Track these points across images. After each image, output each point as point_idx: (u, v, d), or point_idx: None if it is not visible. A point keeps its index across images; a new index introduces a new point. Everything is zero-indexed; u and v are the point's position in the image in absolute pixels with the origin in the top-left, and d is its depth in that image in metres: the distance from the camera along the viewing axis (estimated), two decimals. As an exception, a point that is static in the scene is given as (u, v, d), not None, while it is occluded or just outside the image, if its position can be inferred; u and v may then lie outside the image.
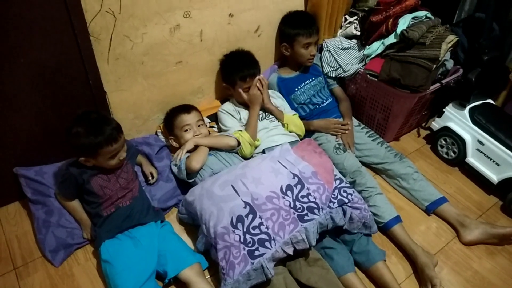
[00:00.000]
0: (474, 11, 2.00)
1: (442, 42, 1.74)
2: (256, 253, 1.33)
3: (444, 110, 1.97)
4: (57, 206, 1.55)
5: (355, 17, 2.11)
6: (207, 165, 1.65)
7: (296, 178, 1.50)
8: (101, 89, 1.62)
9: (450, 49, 1.81)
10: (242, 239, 1.35)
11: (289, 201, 1.45)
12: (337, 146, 1.87)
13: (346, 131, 1.91)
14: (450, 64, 1.99)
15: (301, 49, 1.94)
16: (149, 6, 1.53)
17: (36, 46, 1.39)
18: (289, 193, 1.46)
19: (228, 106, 1.92)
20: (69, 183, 1.47)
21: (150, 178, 1.70)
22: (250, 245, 1.34)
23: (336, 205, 1.47)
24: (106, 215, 1.48)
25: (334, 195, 1.50)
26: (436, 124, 2.03)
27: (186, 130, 1.74)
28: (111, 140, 1.39)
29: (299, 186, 1.48)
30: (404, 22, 1.83)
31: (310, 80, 2.05)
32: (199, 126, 1.76)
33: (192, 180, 1.65)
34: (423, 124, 2.24)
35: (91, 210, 1.51)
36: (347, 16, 2.15)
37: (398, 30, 1.81)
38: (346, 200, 1.49)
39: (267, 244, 1.35)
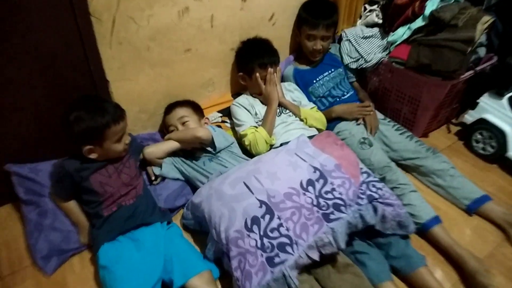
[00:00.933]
0: (507, -6, 1.84)
1: (477, 23, 1.58)
2: (276, 260, 1.14)
3: (478, 101, 1.79)
4: (51, 207, 1.40)
5: (376, 5, 1.97)
6: (208, 171, 1.48)
7: (318, 172, 1.32)
8: (103, 78, 1.47)
9: (486, 30, 1.64)
10: (259, 244, 1.16)
11: (311, 198, 1.26)
12: (362, 140, 1.69)
13: (371, 112, 1.76)
14: (482, 52, 1.81)
15: (305, 39, 1.81)
16: (156, -16, 1.40)
17: (32, 26, 1.25)
18: (310, 188, 1.28)
19: (243, 99, 1.76)
20: (65, 181, 1.32)
21: (153, 177, 1.53)
22: (268, 250, 1.15)
23: (365, 201, 1.28)
24: (107, 215, 1.31)
25: (361, 190, 1.31)
26: (469, 117, 1.84)
27: (172, 131, 1.59)
28: (117, 118, 1.28)
29: (321, 181, 1.30)
30: (432, 4, 1.67)
31: (329, 71, 1.90)
32: (183, 123, 1.59)
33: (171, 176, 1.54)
34: (453, 120, 2.05)
35: (90, 211, 1.34)
36: (366, 5, 2.01)
37: (427, 12, 1.65)
38: (376, 196, 1.30)
39: (288, 248, 1.16)
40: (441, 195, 1.62)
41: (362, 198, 1.28)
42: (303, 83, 1.88)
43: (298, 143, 1.43)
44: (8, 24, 1.21)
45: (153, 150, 1.51)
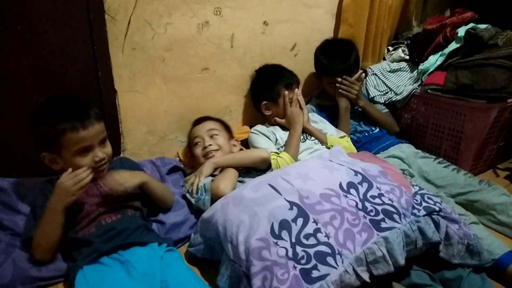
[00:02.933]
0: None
1: (519, 40, 1.46)
2: (315, 273, 0.84)
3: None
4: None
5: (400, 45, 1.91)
6: None
7: (360, 176, 1.07)
8: (111, 86, 1.34)
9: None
10: (290, 253, 0.88)
11: (354, 200, 1.00)
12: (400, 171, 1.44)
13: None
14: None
15: (326, 85, 1.70)
16: (177, -8, 1.36)
17: (38, 13, 1.15)
18: (352, 191, 1.02)
19: (261, 126, 1.58)
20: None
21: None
22: (303, 261, 0.86)
23: (423, 212, 1.00)
24: (83, 237, 1.04)
25: (416, 200, 1.04)
26: (522, 153, 1.61)
27: (196, 144, 1.42)
28: (79, 125, 1.02)
29: (365, 185, 1.05)
30: (464, 29, 1.58)
31: (356, 107, 1.74)
32: (211, 136, 1.41)
33: None
34: (499, 166, 1.81)
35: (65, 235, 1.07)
36: (389, 47, 1.96)
37: (461, 33, 1.55)
38: (436, 208, 1.02)
39: (329, 260, 0.87)
40: (509, 236, 1.30)
41: (418, 209, 1.01)
42: (327, 118, 1.71)
43: (332, 152, 1.21)
44: (14, 5, 1.11)
45: (227, 185, 1.20)
